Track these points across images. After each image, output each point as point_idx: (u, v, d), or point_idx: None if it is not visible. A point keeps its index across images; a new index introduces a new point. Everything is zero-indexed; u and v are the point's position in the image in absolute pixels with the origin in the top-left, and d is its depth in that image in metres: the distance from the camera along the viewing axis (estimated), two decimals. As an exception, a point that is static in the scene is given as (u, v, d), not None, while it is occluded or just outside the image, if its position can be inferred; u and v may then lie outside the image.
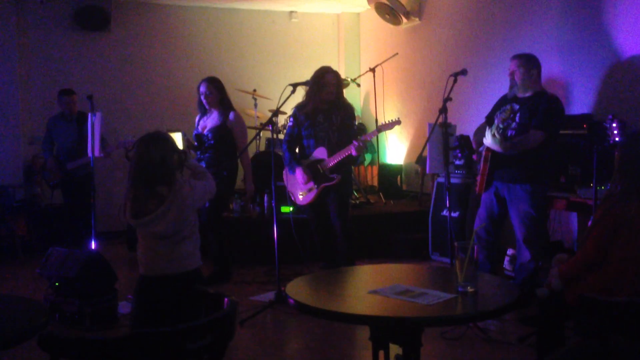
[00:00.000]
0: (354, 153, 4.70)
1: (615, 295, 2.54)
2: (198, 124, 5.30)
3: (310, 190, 4.92)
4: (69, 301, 4.18)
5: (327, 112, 4.87)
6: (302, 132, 4.97)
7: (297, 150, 5.08)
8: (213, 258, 5.24)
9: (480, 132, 4.40)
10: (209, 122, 5.20)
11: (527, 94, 4.20)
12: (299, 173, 4.90)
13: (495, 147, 4.09)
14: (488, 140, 4.08)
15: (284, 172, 5.13)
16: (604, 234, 2.68)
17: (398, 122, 4.79)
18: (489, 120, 4.34)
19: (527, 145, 4.08)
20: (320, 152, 4.88)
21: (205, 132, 5.17)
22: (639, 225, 2.61)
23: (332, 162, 4.81)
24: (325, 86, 4.81)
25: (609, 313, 2.10)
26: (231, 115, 5.17)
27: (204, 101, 5.17)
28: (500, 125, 4.17)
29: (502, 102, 4.34)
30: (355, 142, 4.63)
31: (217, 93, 5.15)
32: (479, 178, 4.30)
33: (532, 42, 5.69)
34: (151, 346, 1.77)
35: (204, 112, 5.27)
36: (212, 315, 1.96)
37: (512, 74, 4.23)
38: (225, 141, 5.15)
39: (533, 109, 4.13)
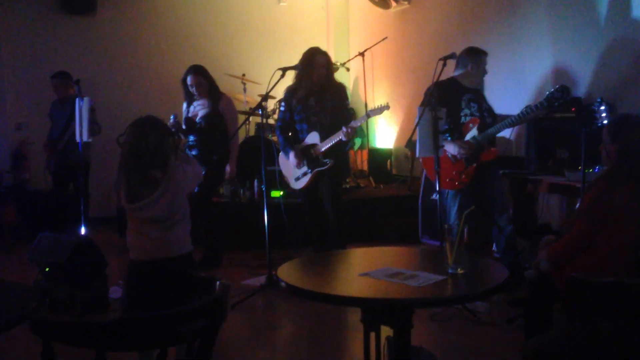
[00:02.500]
0: (343, 139, 4.71)
1: (604, 277, 2.57)
2: (187, 112, 5.26)
3: (304, 174, 4.93)
4: (59, 287, 4.17)
5: (318, 94, 4.85)
6: (295, 116, 4.96)
7: (290, 134, 5.08)
8: (203, 243, 5.24)
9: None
10: (199, 108, 5.17)
11: (478, 86, 4.54)
12: (292, 156, 4.90)
13: (509, 127, 4.28)
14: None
15: (279, 157, 5.13)
16: (592, 219, 2.70)
17: (387, 107, 4.80)
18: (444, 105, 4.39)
19: None
20: (312, 137, 4.88)
21: (197, 119, 5.15)
22: (627, 211, 2.64)
23: (323, 147, 4.81)
24: (316, 68, 4.79)
25: (597, 294, 2.13)
26: (222, 101, 5.16)
27: (194, 91, 5.13)
28: (478, 114, 4.37)
29: (460, 91, 4.40)
30: (344, 129, 4.65)
31: (206, 82, 5.12)
32: (462, 175, 4.35)
33: (523, 26, 5.71)
34: (143, 330, 1.78)
35: (191, 100, 5.23)
36: (203, 298, 1.97)
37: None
38: (217, 127, 5.15)
39: (485, 99, 4.54)
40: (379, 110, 4.80)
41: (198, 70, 5.13)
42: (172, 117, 5.02)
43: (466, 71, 4.41)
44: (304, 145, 4.91)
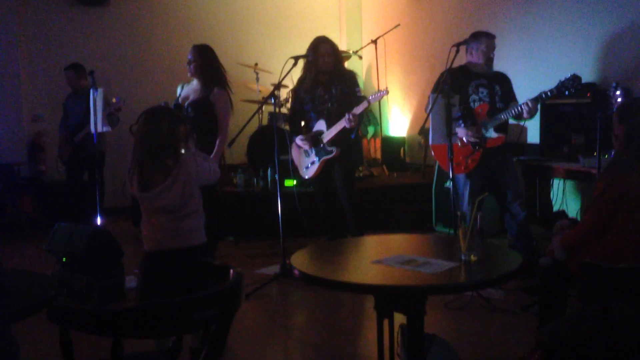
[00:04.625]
0: (347, 126, 4.70)
1: (617, 263, 2.56)
2: (180, 94, 5.01)
3: (312, 163, 4.95)
4: (76, 276, 4.22)
5: (326, 83, 4.85)
6: (305, 106, 4.97)
7: (302, 124, 5.07)
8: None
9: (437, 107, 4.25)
10: (191, 93, 4.74)
11: (491, 71, 4.44)
12: (299, 141, 4.90)
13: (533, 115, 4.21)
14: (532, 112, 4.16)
15: (291, 147, 5.13)
16: (606, 205, 2.69)
17: (386, 92, 4.82)
18: (450, 92, 4.33)
19: None
20: (320, 125, 4.88)
21: (185, 104, 4.69)
22: (637, 198, 2.62)
23: (329, 136, 4.82)
24: (321, 57, 4.77)
25: (611, 279, 2.12)
26: (215, 90, 4.59)
27: (188, 68, 4.73)
28: (488, 99, 4.34)
29: (468, 77, 4.37)
30: (347, 115, 4.65)
31: (200, 60, 4.63)
32: (467, 160, 4.32)
33: (537, 11, 5.64)
34: (159, 317, 1.80)
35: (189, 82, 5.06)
36: (218, 286, 1.98)
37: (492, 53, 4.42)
38: (207, 116, 4.58)
39: (503, 83, 4.43)
40: (378, 95, 4.81)
41: (197, 47, 4.72)
42: (162, 104, 4.83)
43: (471, 57, 4.40)
44: (312, 133, 4.92)
